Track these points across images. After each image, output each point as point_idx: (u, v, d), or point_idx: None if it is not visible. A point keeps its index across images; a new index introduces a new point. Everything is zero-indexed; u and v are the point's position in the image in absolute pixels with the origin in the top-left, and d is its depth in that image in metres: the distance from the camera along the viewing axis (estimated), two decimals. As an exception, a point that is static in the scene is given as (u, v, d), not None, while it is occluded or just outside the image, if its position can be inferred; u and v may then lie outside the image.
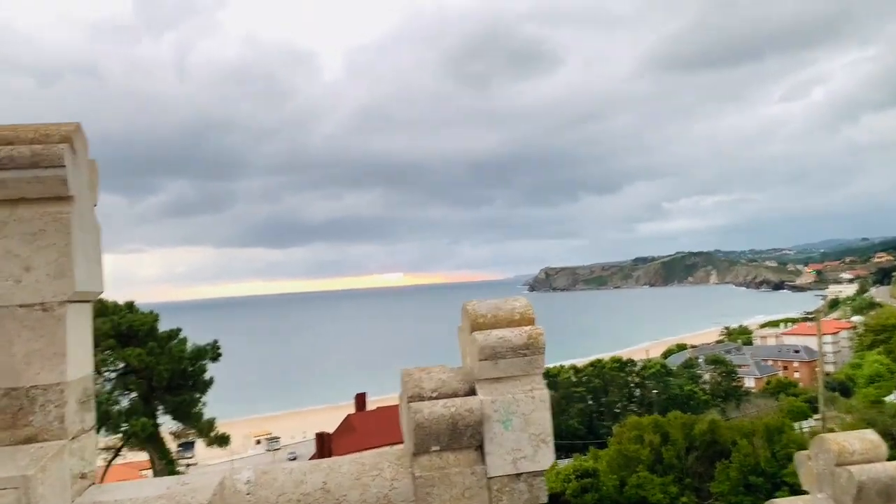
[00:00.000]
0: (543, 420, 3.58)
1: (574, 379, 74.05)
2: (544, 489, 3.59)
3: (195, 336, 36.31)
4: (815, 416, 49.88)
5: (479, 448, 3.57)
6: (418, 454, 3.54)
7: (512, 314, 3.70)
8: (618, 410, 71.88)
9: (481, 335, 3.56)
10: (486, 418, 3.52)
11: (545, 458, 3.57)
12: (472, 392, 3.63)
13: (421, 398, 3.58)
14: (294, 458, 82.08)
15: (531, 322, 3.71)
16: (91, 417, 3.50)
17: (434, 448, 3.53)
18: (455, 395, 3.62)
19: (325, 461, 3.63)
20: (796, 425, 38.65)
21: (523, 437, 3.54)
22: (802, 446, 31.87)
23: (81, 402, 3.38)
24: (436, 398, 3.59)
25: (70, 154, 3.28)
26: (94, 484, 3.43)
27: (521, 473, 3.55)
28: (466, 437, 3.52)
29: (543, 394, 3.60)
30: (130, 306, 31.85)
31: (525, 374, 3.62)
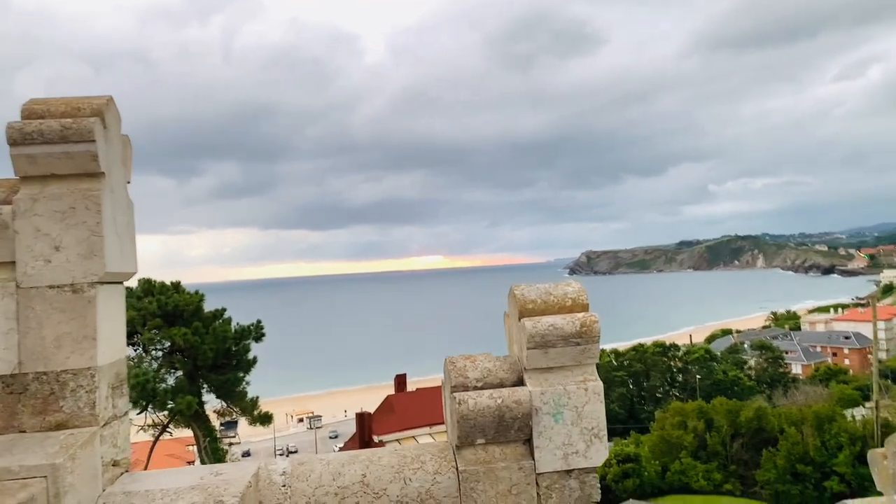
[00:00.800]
0: (597, 413, 3.33)
1: (615, 363, 73.18)
2: (597, 487, 3.36)
3: (240, 316, 36.83)
4: (867, 405, 48.34)
5: (528, 442, 3.35)
6: (462, 447, 3.34)
7: (563, 300, 3.45)
8: (659, 395, 70.92)
9: (530, 322, 3.32)
10: (536, 410, 3.29)
11: (598, 454, 3.33)
12: (519, 382, 3.41)
13: (465, 388, 3.37)
14: (335, 437, 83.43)
15: (585, 308, 3.45)
16: (124, 403, 3.38)
17: (479, 441, 3.32)
18: (502, 385, 3.40)
19: (364, 452, 3.45)
20: (847, 413, 37.46)
21: (575, 431, 3.31)
22: (854, 435, 30.89)
23: (114, 387, 3.26)
24: (481, 388, 3.37)
25: (101, 128, 3.13)
26: (126, 472, 3.32)
27: (573, 470, 3.32)
28: (514, 430, 3.30)
29: (597, 385, 3.35)
30: (177, 286, 32.38)
31: (577, 364, 3.38)
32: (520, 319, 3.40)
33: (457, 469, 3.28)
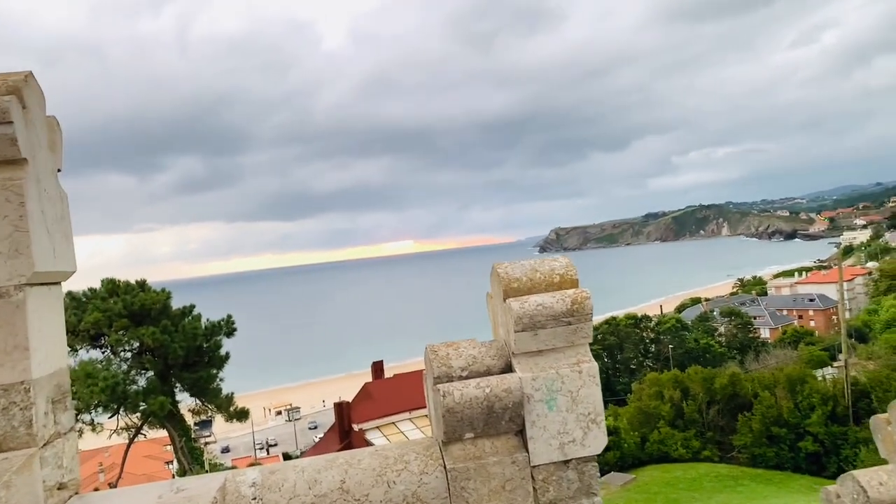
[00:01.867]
0: (593, 397, 3.07)
1: (589, 338, 73.60)
2: (597, 477, 3.10)
3: (210, 312, 36.07)
4: (836, 364, 49.45)
5: (520, 433, 3.08)
6: (450, 443, 3.05)
7: (551, 276, 3.16)
8: (634, 367, 71.73)
9: (517, 302, 3.03)
10: (527, 398, 3.01)
11: (597, 441, 3.07)
12: (508, 369, 3.13)
13: (450, 378, 3.07)
14: (315, 427, 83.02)
15: (574, 284, 3.17)
16: (69, 418, 3.02)
17: (468, 435, 3.04)
18: (489, 372, 3.11)
19: (342, 455, 3.14)
20: (817, 374, 38.23)
21: (570, 417, 3.04)
22: (825, 395, 31.47)
23: (55, 401, 2.89)
24: (467, 377, 3.08)
25: (18, 108, 2.74)
26: (76, 494, 2.96)
27: (570, 460, 3.06)
28: (505, 422, 3.02)
29: (592, 367, 3.09)
30: (142, 285, 31.52)
31: (569, 346, 3.10)
32: (505, 300, 3.11)
33: (444, 467, 3.00)
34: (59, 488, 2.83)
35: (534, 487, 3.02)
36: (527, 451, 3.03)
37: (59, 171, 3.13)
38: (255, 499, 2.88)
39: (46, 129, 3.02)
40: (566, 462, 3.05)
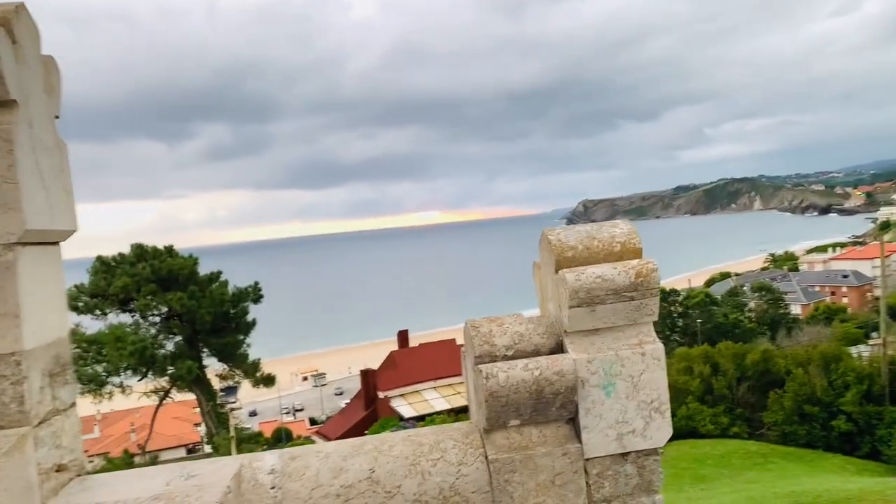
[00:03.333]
0: (657, 383, 2.69)
1: (616, 310, 72.80)
2: (659, 473, 2.73)
3: (238, 279, 36.27)
4: (870, 342, 48.34)
5: (572, 421, 2.72)
6: (492, 430, 2.69)
7: (611, 244, 2.76)
8: (661, 340, 71.00)
9: (572, 274, 2.64)
10: (582, 383, 2.64)
11: (660, 432, 2.70)
12: (559, 349, 2.75)
13: (493, 358, 2.71)
14: (341, 394, 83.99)
15: (637, 254, 2.77)
16: (69, 393, 2.72)
17: (513, 422, 2.68)
18: (537, 352, 2.74)
19: (371, 440, 2.81)
20: (851, 351, 37.32)
21: (630, 405, 2.67)
22: (860, 373, 30.70)
23: (53, 374, 2.59)
24: (512, 357, 2.72)
25: (7, 43, 2.39)
26: (78, 476, 2.68)
27: (629, 453, 2.69)
28: (555, 408, 2.66)
29: (656, 349, 2.70)
30: (170, 251, 31.70)
31: (631, 324, 2.72)
32: (557, 271, 2.73)
33: (486, 458, 2.65)
34: (57, 470, 2.55)
35: (587, 482, 2.66)
36: (579, 441, 2.67)
37: (56, 117, 2.79)
38: (273, 488, 2.57)
39: (42, 70, 2.67)
40: (624, 455, 2.68)
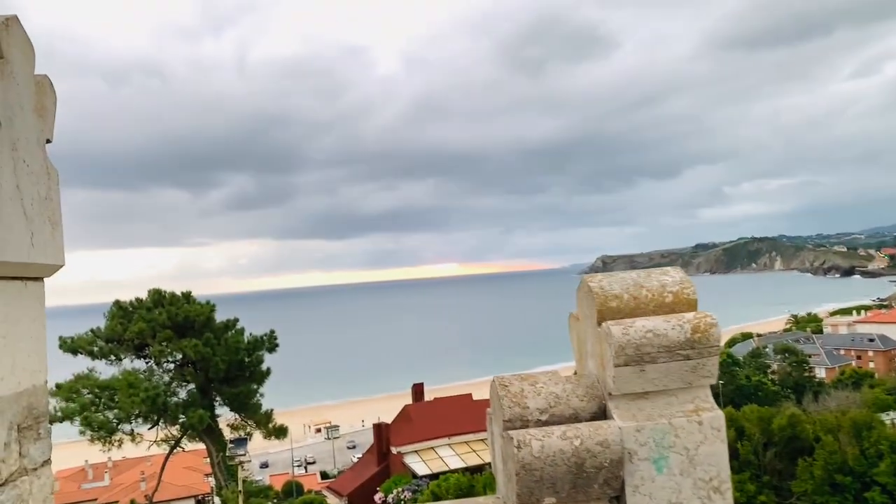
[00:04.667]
0: (717, 457, 2.30)
1: (636, 369, 71.32)
2: (720, 566, 2.32)
3: (255, 327, 36.01)
4: (905, 410, 46.72)
5: (616, 500, 2.33)
6: (523, 509, 2.31)
7: (662, 294, 2.42)
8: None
9: (618, 327, 2.29)
10: (630, 456, 2.27)
11: (721, 517, 2.30)
12: (601, 414, 2.39)
13: (524, 422, 2.35)
14: (353, 447, 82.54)
15: (692, 306, 2.43)
16: (41, 449, 2.39)
17: (548, 501, 2.30)
18: (576, 418, 2.38)
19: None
20: (883, 418, 35.93)
21: (686, 483, 2.28)
22: (895, 443, 29.45)
23: (23, 427, 2.27)
24: (547, 423, 2.36)
25: (-7, 56, 2.16)
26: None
27: (684, 541, 2.29)
28: (598, 485, 2.28)
29: (716, 417, 2.33)
30: (187, 296, 31.62)
31: (686, 387, 2.35)
32: (600, 323, 2.38)
33: (515, 541, 2.26)
34: (19, 542, 2.19)
35: (634, 575, 2.25)
36: (626, 525, 2.27)
37: (48, 141, 2.55)
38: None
39: (33, 89, 2.44)
40: (678, 543, 2.28)
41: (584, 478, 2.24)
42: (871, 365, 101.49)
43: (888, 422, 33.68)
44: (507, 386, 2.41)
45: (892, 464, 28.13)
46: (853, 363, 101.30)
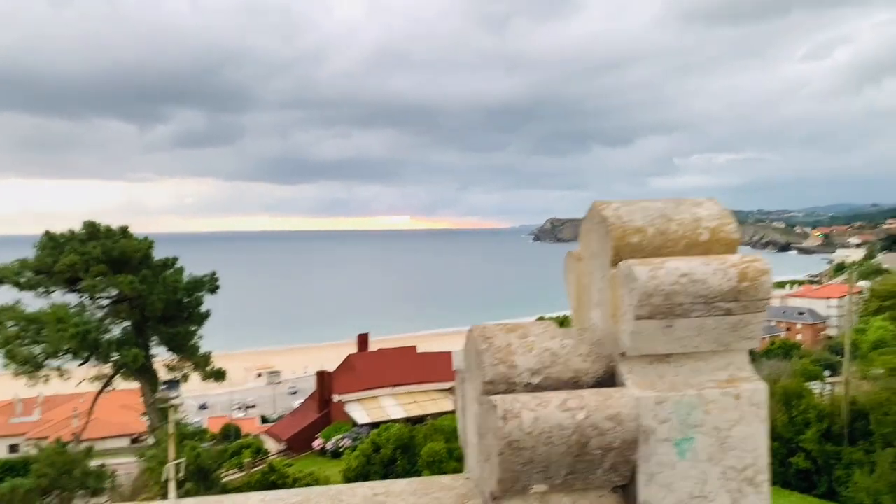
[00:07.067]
0: (755, 441, 1.80)
1: (579, 330, 72.63)
2: (747, 576, 1.83)
3: (201, 268, 34.75)
4: (827, 380, 48.79)
5: (622, 490, 1.81)
6: (504, 497, 1.77)
7: (695, 229, 1.87)
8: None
9: (644, 268, 1.73)
10: (646, 434, 1.74)
11: (753, 515, 1.81)
12: (607, 379, 1.85)
13: (510, 385, 1.79)
14: (295, 393, 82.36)
15: (732, 247, 1.89)
16: None
17: (537, 487, 1.76)
18: (576, 383, 1.83)
19: (315, 496, 1.86)
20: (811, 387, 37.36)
21: (713, 472, 1.77)
22: (821, 412, 30.62)
23: None
24: (539, 387, 1.81)
25: None
26: None
27: (705, 544, 1.79)
28: (602, 470, 1.75)
29: (757, 390, 1.81)
30: (124, 231, 30.12)
31: (721, 350, 1.82)
32: (615, 263, 1.82)
33: (491, 539, 1.73)
34: None
35: (639, 585, 1.75)
36: (634, 522, 1.76)
37: None
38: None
39: None
40: (697, 547, 1.78)
41: (586, 461, 1.71)
42: (799, 337, 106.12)
43: (817, 392, 34.99)
44: (489, 338, 1.84)
45: (817, 431, 29.29)
46: (782, 334, 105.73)
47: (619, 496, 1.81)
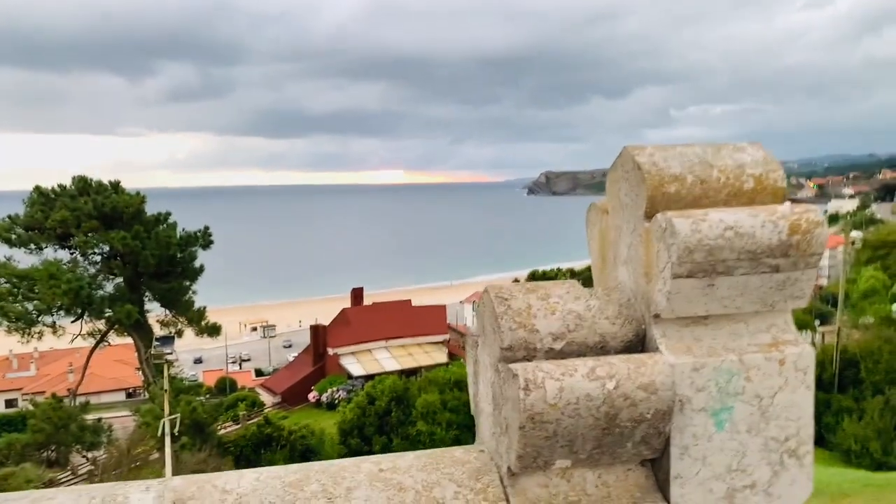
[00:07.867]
0: (800, 410, 1.64)
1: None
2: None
3: (194, 223, 34.36)
4: (819, 329, 49.41)
5: (651, 463, 1.66)
6: (524, 473, 1.61)
7: (739, 177, 1.67)
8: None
9: (685, 221, 1.54)
10: (681, 404, 1.57)
11: (795, 488, 1.66)
12: (637, 344, 1.67)
13: (530, 351, 1.62)
14: (289, 346, 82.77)
15: (780, 196, 1.69)
16: None
17: (560, 463, 1.60)
18: (603, 348, 1.66)
19: (312, 472, 1.70)
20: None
21: (753, 444, 1.62)
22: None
23: None
24: (561, 353, 1.63)
25: None
26: None
27: (743, 520, 1.64)
28: (632, 443, 1.59)
29: (803, 354, 1.64)
30: (116, 186, 29.62)
31: (765, 311, 1.65)
32: (650, 215, 1.63)
33: (511, 518, 1.58)
34: None
35: (670, 565, 1.61)
36: (665, 499, 1.61)
37: None
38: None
39: None
40: (734, 523, 1.64)
41: (615, 434, 1.54)
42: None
43: (809, 341, 35.46)
44: (507, 300, 1.65)
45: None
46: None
47: (648, 470, 1.66)
